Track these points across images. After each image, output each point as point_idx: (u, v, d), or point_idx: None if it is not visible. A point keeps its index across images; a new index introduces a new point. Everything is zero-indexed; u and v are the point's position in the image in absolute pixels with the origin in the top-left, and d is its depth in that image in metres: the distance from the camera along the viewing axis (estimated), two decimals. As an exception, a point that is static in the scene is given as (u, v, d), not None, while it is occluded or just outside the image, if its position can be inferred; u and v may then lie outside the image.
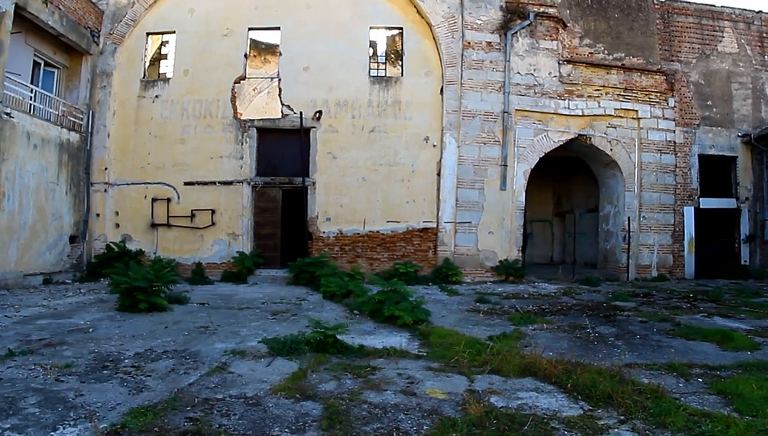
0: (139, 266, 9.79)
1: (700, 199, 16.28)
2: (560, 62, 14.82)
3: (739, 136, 16.81)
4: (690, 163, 16.23)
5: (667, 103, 15.85)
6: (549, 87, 14.68)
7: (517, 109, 14.41)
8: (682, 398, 4.47)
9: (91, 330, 7.23)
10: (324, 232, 14.25)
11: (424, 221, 14.19)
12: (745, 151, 16.91)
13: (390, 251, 14.07)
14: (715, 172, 16.83)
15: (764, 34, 17.61)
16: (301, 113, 14.27)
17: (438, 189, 14.15)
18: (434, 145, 14.26)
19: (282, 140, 14.73)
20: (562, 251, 21.89)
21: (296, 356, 5.82)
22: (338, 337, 6.19)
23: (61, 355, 5.77)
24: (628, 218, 15.15)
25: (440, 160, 14.18)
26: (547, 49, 14.82)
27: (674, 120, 15.94)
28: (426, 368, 5.47)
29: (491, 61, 14.43)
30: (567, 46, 15.12)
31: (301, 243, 14.34)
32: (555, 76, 14.75)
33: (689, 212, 16.07)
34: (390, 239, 14.13)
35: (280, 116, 14.64)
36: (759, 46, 17.49)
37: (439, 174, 14.18)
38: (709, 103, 16.73)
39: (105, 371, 5.15)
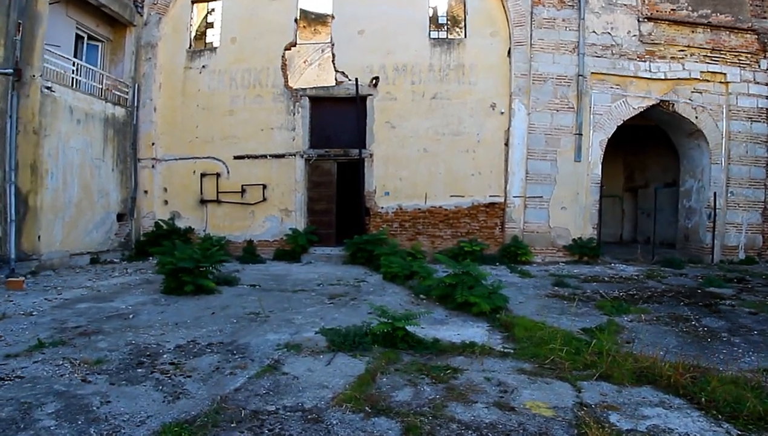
0: (185, 245, 9.16)
1: (795, 173, 14.69)
2: (640, 20, 13.39)
3: (838, 102, 15.06)
4: (784, 133, 14.62)
5: (759, 66, 14.23)
6: (628, 47, 13.30)
7: (592, 73, 13.10)
8: None
9: (131, 316, 6.61)
10: (382, 207, 13.36)
11: (490, 196, 13.13)
12: None
13: (453, 227, 13.10)
14: (811, 143, 15.16)
15: None
16: (356, 80, 13.34)
17: (506, 160, 13.05)
18: (501, 113, 13.12)
19: (336, 110, 13.85)
20: (632, 229, 20.44)
21: (361, 351, 4.97)
22: (408, 329, 5.32)
23: (94, 347, 5.11)
24: (714, 193, 13.73)
25: (508, 128, 13.05)
26: (625, 5, 13.40)
27: (767, 84, 14.34)
28: (517, 371, 4.54)
29: (564, 20, 13.13)
30: (647, 2, 13.65)
31: (358, 219, 13.51)
32: (634, 36, 13.35)
33: (781, 188, 14.51)
34: (453, 214, 13.15)
35: (333, 84, 13.75)
36: None
37: (507, 144, 13.05)
38: (806, 65, 15.01)
39: (140, 369, 4.44)
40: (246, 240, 13.61)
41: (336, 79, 13.74)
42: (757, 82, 14.16)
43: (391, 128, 13.35)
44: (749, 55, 14.16)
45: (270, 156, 13.77)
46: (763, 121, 14.18)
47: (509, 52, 13.21)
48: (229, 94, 14.09)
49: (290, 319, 6.56)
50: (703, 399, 3.71)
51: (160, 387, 3.99)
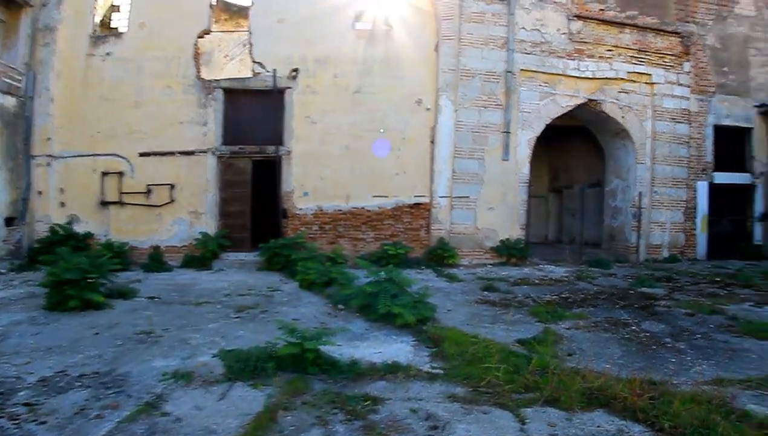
0: (73, 254, 8.02)
1: (714, 173, 14.93)
2: (569, 18, 13.17)
3: (755, 106, 15.46)
4: (704, 135, 14.85)
5: (682, 68, 14.38)
6: (557, 45, 13.02)
7: (521, 69, 12.72)
8: None
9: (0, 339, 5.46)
10: (301, 208, 12.40)
11: (415, 196, 12.44)
12: (761, 123, 15.59)
13: (377, 229, 12.34)
14: (730, 145, 15.49)
15: (780, -2, 16.24)
16: (274, 71, 12.36)
17: (432, 159, 12.41)
18: (428, 109, 12.48)
19: (253, 104, 12.80)
20: (558, 230, 20.45)
21: (263, 380, 4.14)
22: (322, 349, 4.51)
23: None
24: (639, 193, 13.71)
25: (434, 125, 12.42)
26: (555, 2, 13.14)
27: (689, 87, 14.50)
28: (449, 398, 3.86)
29: (493, 14, 12.67)
30: (576, 1, 13.43)
31: (275, 222, 12.51)
32: (564, 33, 13.10)
33: (702, 188, 14.73)
34: (377, 216, 12.38)
35: (250, 75, 12.69)
36: (775, 10, 16.11)
37: (433, 142, 12.42)
38: (725, 69, 15.30)
39: (-20, 416, 3.38)
40: (152, 246, 12.29)
41: (253, 71, 12.68)
42: (681, 84, 14.27)
43: (311, 124, 12.44)
44: (673, 58, 14.25)
45: (179, 153, 12.53)
46: (686, 123, 14.30)
47: (437, 46, 12.61)
48: (135, 84, 12.73)
49: (186, 338, 5.62)
50: (666, 425, 3.26)
51: (0, 441, 3.03)
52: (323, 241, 12.21)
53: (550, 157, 20.08)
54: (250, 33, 12.86)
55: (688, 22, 14.86)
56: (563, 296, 8.42)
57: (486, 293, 8.68)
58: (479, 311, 7.23)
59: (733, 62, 15.40)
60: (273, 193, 12.65)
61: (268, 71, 12.49)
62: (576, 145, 18.01)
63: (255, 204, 12.86)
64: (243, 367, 4.34)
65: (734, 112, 15.24)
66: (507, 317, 6.49)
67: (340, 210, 12.34)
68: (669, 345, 5.60)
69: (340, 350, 4.95)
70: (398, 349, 5.26)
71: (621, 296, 8.49)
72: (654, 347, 5.52)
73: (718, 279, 10.57)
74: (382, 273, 6.75)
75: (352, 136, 12.36)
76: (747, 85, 15.52)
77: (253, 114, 12.76)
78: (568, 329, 6.20)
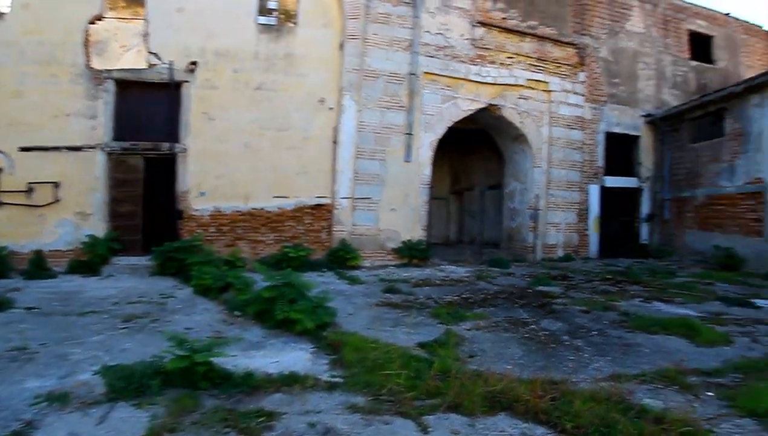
0: None
1: (605, 177, 15.93)
2: (473, 24, 13.54)
3: (642, 115, 16.65)
4: (597, 141, 15.79)
5: (577, 78, 15.19)
6: (460, 50, 13.34)
7: (425, 72, 12.92)
8: (716, 430, 3.49)
9: None
10: (197, 209, 11.89)
11: (317, 197, 12.31)
12: (647, 132, 16.80)
13: (277, 231, 12.07)
14: (619, 151, 16.59)
15: (668, 18, 17.58)
16: (171, 63, 11.79)
17: (334, 159, 12.32)
18: (331, 108, 12.39)
19: (147, 97, 12.12)
20: (459, 230, 21.08)
21: (148, 398, 3.80)
22: (214, 361, 4.19)
23: None
24: (536, 195, 14.36)
25: (337, 125, 12.35)
26: (460, 8, 13.44)
27: (583, 95, 15.36)
28: (349, 408, 3.71)
29: (399, 16, 12.77)
30: (480, 8, 13.82)
31: (170, 224, 11.91)
32: (467, 39, 13.44)
33: (594, 190, 15.66)
34: (277, 217, 12.12)
35: (145, 66, 12.02)
36: (663, 29, 17.43)
37: (335, 142, 12.34)
38: (616, 80, 16.34)
39: None
40: (34, 250, 11.30)
41: (148, 61, 12.03)
42: (576, 93, 15.07)
43: (209, 120, 11.97)
44: (569, 67, 15.01)
45: (65, 148, 11.62)
46: (579, 129, 15.13)
47: (342, 45, 12.54)
48: (17, 71, 11.65)
49: (65, 354, 5.05)
50: (568, 426, 3.29)
51: None
52: (221, 243, 11.79)
53: (451, 160, 20.62)
54: (147, 21, 12.17)
55: (584, 34, 15.72)
56: (464, 296, 8.55)
57: (388, 294, 8.63)
58: (381, 314, 7.15)
59: (624, 74, 16.48)
60: (168, 193, 12.05)
61: (164, 63, 11.89)
62: (476, 149, 18.60)
63: (148, 205, 12.15)
64: (126, 385, 3.95)
65: (624, 120, 16.32)
66: (409, 319, 6.46)
67: (238, 211, 11.97)
68: (567, 343, 5.78)
69: (234, 360, 4.66)
70: (296, 357, 5.07)
71: (520, 295, 8.73)
72: (553, 345, 5.67)
73: (610, 277, 11.21)
74: (280, 277, 6.53)
75: (253, 133, 12.03)
76: (635, 97, 16.66)
77: (148, 108, 12.09)
78: (469, 329, 6.24)
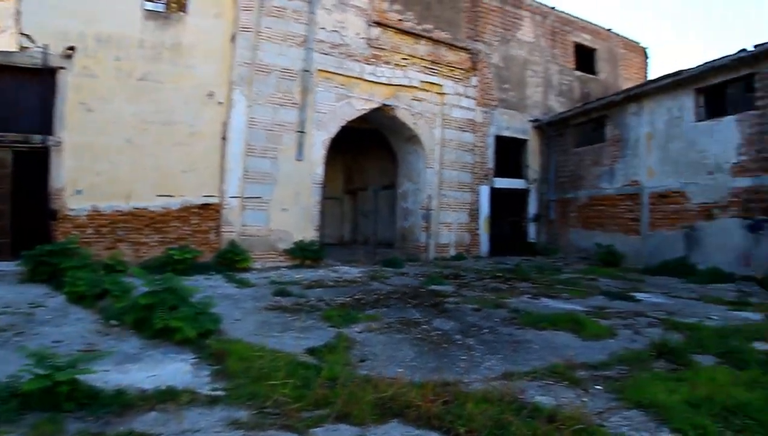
0: None
1: (495, 178, 16.75)
2: (369, 24, 13.65)
3: (530, 120, 17.66)
4: (487, 144, 16.55)
5: (470, 82, 15.82)
6: (356, 49, 13.41)
7: (319, 69, 12.84)
8: (606, 424, 3.52)
9: None
10: (73, 209, 10.94)
11: (204, 196, 11.82)
12: (535, 136, 17.86)
13: (162, 233, 11.46)
14: (509, 154, 17.51)
15: (555, 29, 18.76)
16: (45, 47, 10.81)
17: (222, 156, 11.92)
18: (220, 103, 11.96)
19: (17, 83, 10.94)
20: (353, 230, 21.25)
21: (5, 425, 3.34)
22: (80, 378, 3.74)
23: None
24: (429, 195, 14.82)
25: (227, 121, 11.93)
26: (356, 6, 13.49)
27: (475, 99, 16.02)
28: (231, 424, 3.43)
29: (294, 11, 12.56)
30: (376, 8, 13.96)
31: (42, 225, 10.93)
32: (363, 38, 13.53)
33: (485, 191, 16.41)
34: (161, 217, 11.51)
35: (15, 49, 10.92)
36: (551, 39, 18.55)
37: (224, 138, 11.94)
38: (507, 86, 17.20)
39: None
40: None
41: (19, 44, 10.94)
42: (468, 97, 15.69)
43: (87, 111, 11.12)
44: (462, 72, 15.58)
45: None
46: (471, 131, 15.79)
47: (233, 37, 12.13)
48: None
49: None
50: (461, 430, 3.19)
51: None
52: (100, 246, 11.00)
53: (345, 159, 20.71)
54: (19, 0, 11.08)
55: (477, 40, 16.39)
56: (357, 297, 8.46)
57: (278, 298, 8.35)
58: (269, 318, 6.85)
59: (514, 81, 17.40)
60: (40, 191, 11.04)
61: (38, 46, 10.86)
62: (370, 149, 18.82)
63: (17, 204, 11.00)
64: (-24, 409, 3.42)
65: (513, 124, 17.25)
66: (298, 323, 6.29)
67: (119, 211, 11.24)
68: (459, 342, 5.80)
69: (106, 376, 4.22)
70: (176, 370, 4.67)
71: (413, 294, 8.76)
72: (445, 345, 5.67)
73: (500, 274, 11.71)
74: (160, 282, 6.14)
75: (135, 127, 11.34)
76: (524, 102, 17.66)
77: (18, 96, 10.96)
78: (360, 332, 6.10)
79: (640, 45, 22.46)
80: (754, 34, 62.71)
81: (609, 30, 20.88)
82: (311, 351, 5.19)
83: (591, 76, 19.97)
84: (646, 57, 22.63)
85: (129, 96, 11.33)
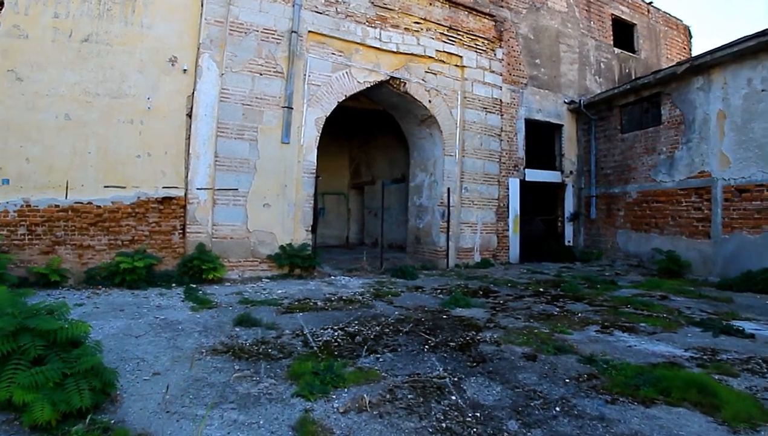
0: None
1: (526, 170, 14.12)
2: (372, -22, 11.15)
3: (565, 102, 15.03)
4: (516, 128, 13.95)
5: (495, 55, 13.24)
6: (356, 7, 10.89)
7: (310, 31, 10.32)
8: None
9: None
10: (-4, 202, 8.64)
11: (165, 187, 9.30)
12: (571, 120, 15.24)
13: (112, 233, 8.98)
14: (541, 141, 14.89)
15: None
16: (-44, 1, 8.49)
17: (188, 138, 9.42)
18: (184, 71, 9.46)
19: None
20: (360, 231, 18.69)
21: None
22: None
23: None
24: (448, 189, 12.20)
25: (193, 93, 9.46)
26: (356, -44, 11.00)
27: (501, 75, 13.43)
28: None
29: (278, -42, 10.12)
30: (381, -39, 11.47)
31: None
32: (364, -5, 11.04)
33: (514, 185, 13.81)
34: (111, 214, 9.01)
35: None
36: (586, 10, 16.01)
37: (190, 115, 9.43)
38: (538, 61, 14.62)
39: None
40: None
41: (-70, -1, 8.66)
42: (493, 71, 13.13)
43: (16, 81, 8.70)
44: (486, 42, 13.03)
45: None
46: (497, 113, 13.20)
47: (202, -10, 9.72)
48: None
49: None
50: None
51: None
52: (35, 250, 8.58)
53: (351, 150, 18.28)
54: (-72, -55, 8.76)
55: (502, 6, 13.85)
56: (350, 329, 5.98)
57: (238, 329, 5.87)
58: (207, 372, 4.34)
59: (545, 56, 14.80)
60: (-51, 179, 8.72)
61: (-48, 1, 8.57)
62: (379, 136, 16.27)
63: None
64: None
65: (546, 106, 14.64)
66: (246, 385, 3.95)
67: (57, 205, 8.75)
68: None
69: None
70: None
71: (431, 325, 6.26)
72: None
73: (542, 289, 9.22)
74: (18, 318, 3.61)
75: (77, 101, 8.89)
76: (558, 81, 15.05)
77: (-76, 61, 8.72)
78: (344, 412, 3.54)
79: (683, 23, 19.79)
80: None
81: (650, 3, 18.25)
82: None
83: (631, 54, 17.33)
84: (690, 36, 19.93)
85: (69, 62, 8.92)
